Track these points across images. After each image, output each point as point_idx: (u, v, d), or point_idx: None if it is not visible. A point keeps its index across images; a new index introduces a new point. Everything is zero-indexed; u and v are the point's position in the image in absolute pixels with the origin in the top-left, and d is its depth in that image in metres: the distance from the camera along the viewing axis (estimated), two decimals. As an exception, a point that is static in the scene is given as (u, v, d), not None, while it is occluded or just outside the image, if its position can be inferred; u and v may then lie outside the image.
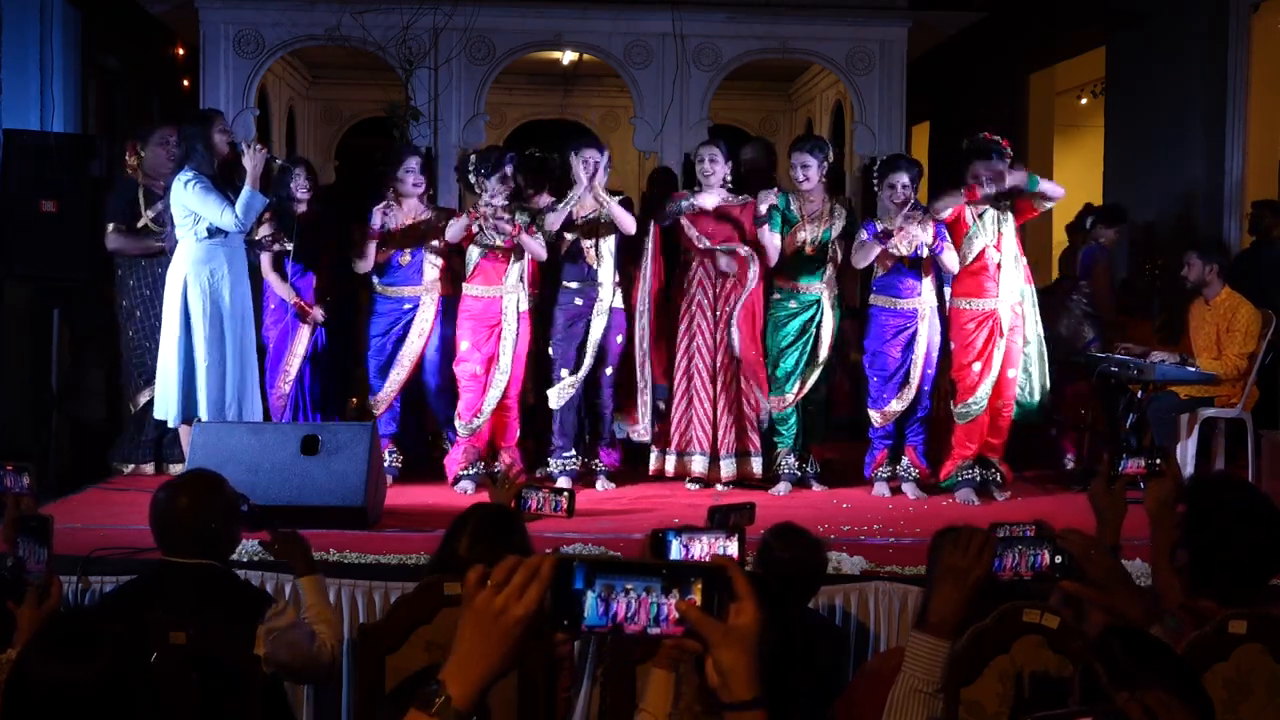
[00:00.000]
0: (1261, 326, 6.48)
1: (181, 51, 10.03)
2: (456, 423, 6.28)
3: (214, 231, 5.89)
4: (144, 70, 10.12)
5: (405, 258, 6.31)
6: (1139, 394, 6.38)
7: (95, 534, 4.96)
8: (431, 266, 6.31)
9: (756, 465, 6.36)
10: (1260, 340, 6.47)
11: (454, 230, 6.18)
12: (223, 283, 5.95)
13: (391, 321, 6.34)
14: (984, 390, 6.13)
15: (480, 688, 1.46)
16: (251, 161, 5.87)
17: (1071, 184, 11.19)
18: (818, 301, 6.29)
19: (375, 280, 6.36)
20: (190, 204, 5.87)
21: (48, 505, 5.10)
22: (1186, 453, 6.39)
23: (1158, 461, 3.16)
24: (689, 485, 6.33)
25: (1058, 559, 2.42)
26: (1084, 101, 12.34)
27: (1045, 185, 6.15)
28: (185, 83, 9.93)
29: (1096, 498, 3.17)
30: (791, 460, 6.36)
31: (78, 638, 1.96)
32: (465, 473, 6.25)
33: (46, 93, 8.02)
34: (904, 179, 6.09)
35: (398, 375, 6.30)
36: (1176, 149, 9.05)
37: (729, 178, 6.28)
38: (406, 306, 6.32)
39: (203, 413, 5.94)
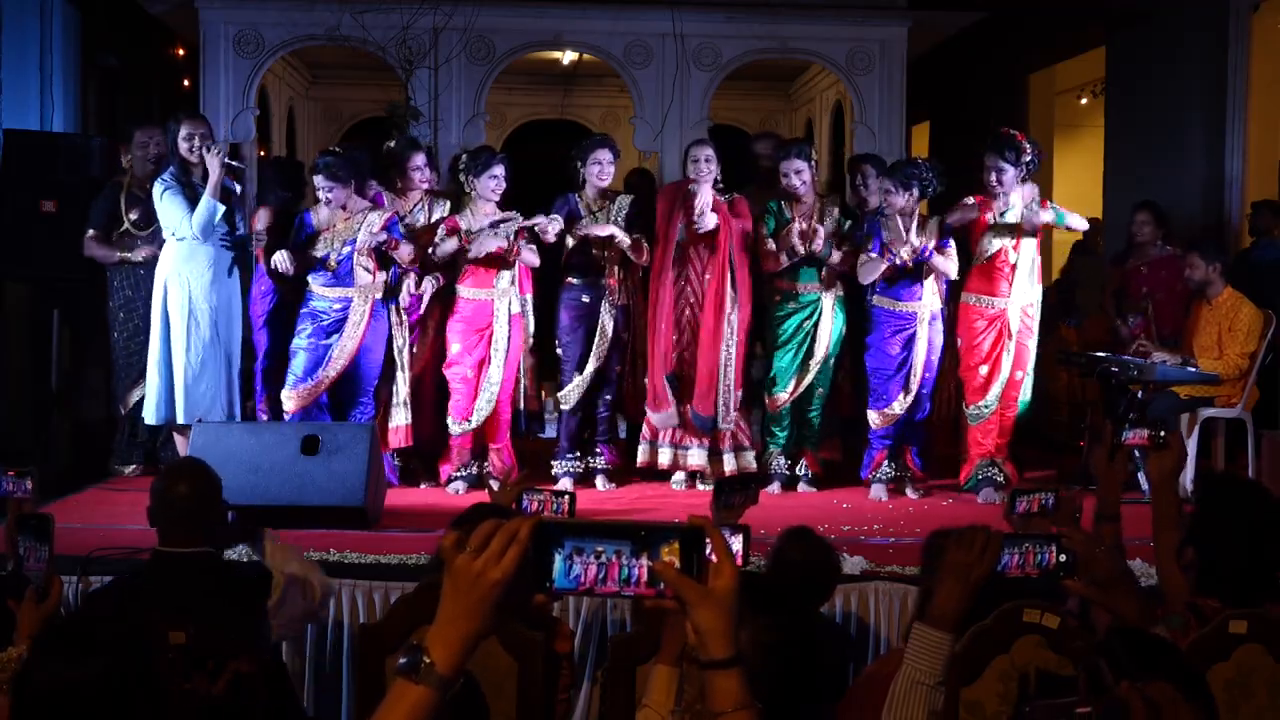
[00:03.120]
0: (1263, 326, 6.48)
1: (181, 51, 10.02)
2: (450, 422, 6.26)
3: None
4: (144, 70, 10.12)
5: (331, 263, 6.05)
6: (1139, 394, 6.37)
7: (95, 534, 4.95)
8: (363, 269, 6.07)
9: (750, 459, 6.37)
10: (1261, 340, 6.47)
11: (445, 249, 6.14)
12: (199, 283, 5.99)
13: (320, 320, 6.07)
14: (994, 392, 6.14)
15: (462, 651, 1.48)
16: (211, 167, 5.89)
17: (1071, 184, 11.25)
18: (816, 301, 6.28)
19: (309, 276, 6.10)
20: (161, 211, 6.02)
21: (48, 505, 5.10)
22: (1187, 453, 6.39)
23: (1161, 434, 3.17)
24: (674, 485, 6.32)
25: (1063, 558, 2.43)
26: (1084, 101, 12.33)
27: (1071, 219, 6.16)
28: (185, 83, 9.93)
29: (1098, 466, 3.21)
30: (782, 461, 6.36)
31: (83, 638, 1.96)
32: (458, 474, 6.24)
33: (46, 93, 8.03)
34: (889, 184, 6.11)
35: (325, 375, 6.04)
36: (1176, 149, 9.04)
37: (719, 178, 6.29)
38: (336, 307, 6.07)
39: (180, 414, 5.96)
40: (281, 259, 5.94)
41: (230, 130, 8.32)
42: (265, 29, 8.41)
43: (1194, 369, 6.34)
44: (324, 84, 11.24)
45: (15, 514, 3.24)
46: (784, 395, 6.30)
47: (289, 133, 10.48)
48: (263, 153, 8.89)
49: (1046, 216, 6.13)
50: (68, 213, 6.84)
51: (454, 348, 6.24)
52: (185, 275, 6.00)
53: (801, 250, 6.15)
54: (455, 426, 6.23)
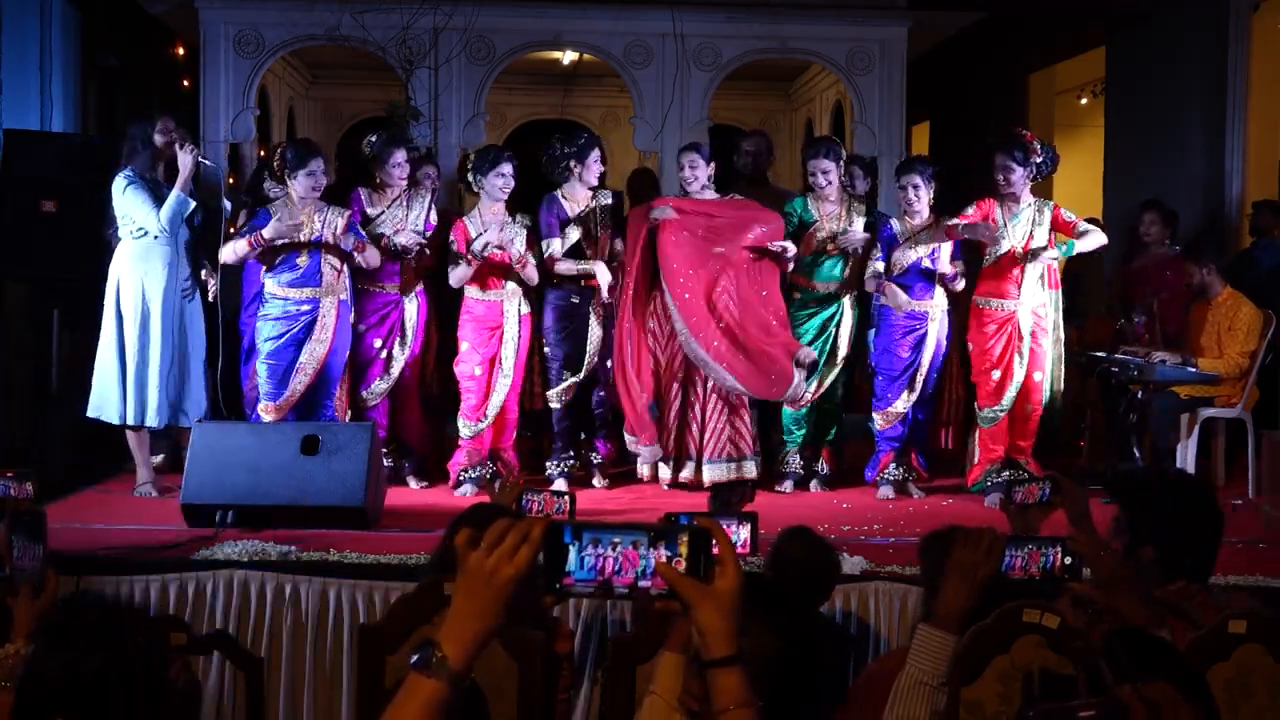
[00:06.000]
0: (1262, 326, 6.48)
1: (181, 51, 10.01)
2: (460, 423, 6.26)
3: (147, 231, 5.91)
4: (144, 70, 10.11)
5: (303, 259, 5.94)
6: (1139, 394, 6.37)
7: (95, 534, 4.96)
8: (330, 269, 5.99)
9: (749, 468, 6.28)
10: (1261, 340, 6.47)
11: (456, 275, 6.15)
12: (155, 281, 5.92)
13: (288, 324, 5.96)
14: (1007, 396, 6.09)
15: (474, 647, 1.51)
16: (183, 162, 5.86)
17: (1071, 184, 11.25)
18: (837, 301, 6.28)
19: (270, 279, 5.99)
20: (123, 206, 5.91)
21: (47, 506, 5.10)
22: (1187, 453, 6.38)
23: (1047, 491, 3.27)
24: (665, 486, 6.28)
25: (1068, 560, 2.43)
26: (1084, 101, 12.33)
27: (1082, 245, 6.13)
28: (185, 83, 9.92)
29: (1011, 517, 3.33)
30: (798, 459, 6.34)
31: (89, 634, 1.96)
32: (467, 475, 6.24)
33: (46, 93, 8.02)
34: (915, 180, 6.11)
35: (299, 382, 5.97)
36: (1176, 149, 9.05)
37: (711, 179, 6.28)
38: (305, 309, 5.95)
39: (129, 414, 5.93)
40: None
41: (230, 130, 8.32)
42: (265, 29, 8.41)
43: (1194, 369, 6.34)
44: (324, 84, 11.25)
45: (11, 514, 3.24)
46: (808, 395, 6.28)
47: (289, 133, 10.48)
48: (262, 153, 8.88)
49: (1051, 255, 6.06)
50: (68, 213, 6.84)
51: (463, 345, 6.23)
52: (139, 274, 5.93)
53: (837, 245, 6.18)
54: (467, 429, 6.21)
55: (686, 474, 6.26)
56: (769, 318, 6.14)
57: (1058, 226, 6.15)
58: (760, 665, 2.20)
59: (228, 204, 6.35)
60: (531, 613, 2.96)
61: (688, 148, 6.45)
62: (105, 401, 5.97)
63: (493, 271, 6.18)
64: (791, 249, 6.13)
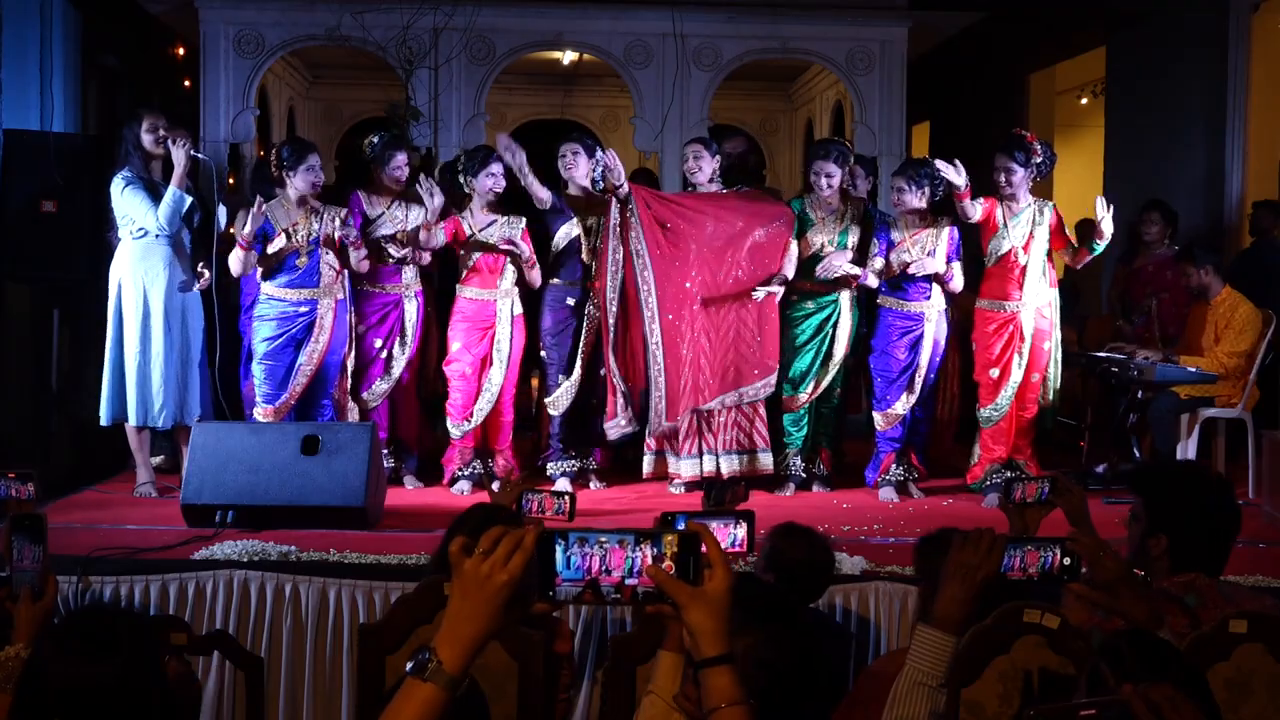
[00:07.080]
0: (1262, 326, 6.47)
1: (181, 51, 10.01)
2: (449, 423, 6.25)
3: (147, 231, 5.89)
4: (144, 70, 10.10)
5: (303, 259, 5.93)
6: (1139, 394, 6.36)
7: (95, 534, 4.96)
8: (329, 269, 5.98)
9: (765, 460, 6.28)
10: (1260, 340, 6.47)
11: (435, 240, 6.13)
12: (156, 282, 5.91)
13: (285, 325, 5.96)
14: (1005, 395, 6.09)
15: (469, 652, 1.53)
16: (176, 158, 5.85)
17: (1071, 184, 11.25)
18: (834, 302, 6.27)
19: (266, 281, 5.97)
20: (122, 206, 5.90)
21: (47, 506, 5.11)
22: (1187, 453, 6.38)
23: (1046, 489, 3.47)
24: (672, 488, 6.25)
25: (1067, 560, 2.43)
26: (1084, 101, 12.33)
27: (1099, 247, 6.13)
28: (185, 83, 9.92)
29: (1010, 515, 3.49)
30: (799, 462, 6.33)
31: (99, 635, 1.96)
32: (462, 473, 6.24)
33: (46, 93, 8.01)
34: (900, 183, 6.11)
35: (297, 384, 5.96)
36: (1176, 149, 9.05)
37: (717, 172, 6.27)
38: (303, 310, 5.95)
39: (131, 415, 5.93)
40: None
41: (230, 130, 8.32)
42: (265, 29, 8.41)
43: (1193, 369, 6.33)
44: (324, 84, 11.25)
45: (12, 517, 3.24)
46: (804, 396, 6.27)
47: (289, 133, 10.48)
48: (262, 154, 8.88)
49: (1107, 215, 6.04)
50: (68, 213, 6.84)
51: (454, 345, 6.21)
52: (140, 274, 5.91)
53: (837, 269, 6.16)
54: (455, 429, 6.21)
55: (708, 468, 6.22)
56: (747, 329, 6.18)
57: (1053, 229, 6.15)
58: (759, 665, 2.21)
59: (222, 208, 6.33)
60: (525, 618, 2.96)
61: (693, 140, 6.48)
62: (115, 403, 5.98)
63: (489, 263, 6.16)
64: (778, 290, 6.15)
